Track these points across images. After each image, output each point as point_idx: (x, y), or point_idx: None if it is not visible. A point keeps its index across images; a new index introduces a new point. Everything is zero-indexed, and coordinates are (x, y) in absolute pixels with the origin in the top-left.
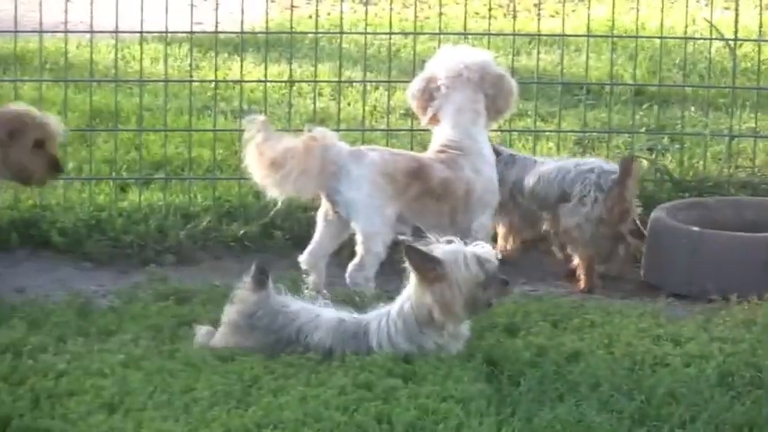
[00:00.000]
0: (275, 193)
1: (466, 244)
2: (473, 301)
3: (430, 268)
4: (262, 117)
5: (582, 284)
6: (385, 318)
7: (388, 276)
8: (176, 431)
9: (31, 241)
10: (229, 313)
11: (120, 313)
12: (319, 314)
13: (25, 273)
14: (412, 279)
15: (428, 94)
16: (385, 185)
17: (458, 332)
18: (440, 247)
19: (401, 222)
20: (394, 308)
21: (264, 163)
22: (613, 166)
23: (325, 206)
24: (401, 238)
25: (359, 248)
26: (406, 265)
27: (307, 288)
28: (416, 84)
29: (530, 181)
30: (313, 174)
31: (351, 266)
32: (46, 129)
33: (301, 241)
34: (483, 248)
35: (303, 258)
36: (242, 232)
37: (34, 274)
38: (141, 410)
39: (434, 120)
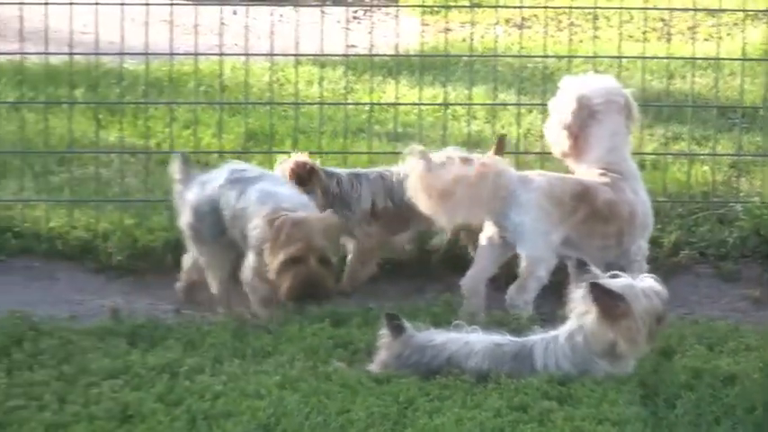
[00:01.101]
0: (444, 221)
1: (631, 275)
2: (652, 332)
3: (615, 305)
4: (420, 147)
5: None
6: (552, 342)
7: (546, 299)
8: None
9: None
10: (379, 357)
11: (276, 335)
12: (468, 341)
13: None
14: (583, 309)
15: (580, 123)
16: (551, 210)
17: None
18: (612, 281)
19: (568, 246)
20: (561, 333)
21: (432, 192)
22: None
23: (489, 230)
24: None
25: (522, 272)
26: (578, 297)
27: (462, 311)
28: (568, 115)
29: None
30: (485, 201)
31: (511, 289)
32: None
33: (456, 264)
34: (653, 281)
35: (464, 282)
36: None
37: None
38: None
39: (574, 149)
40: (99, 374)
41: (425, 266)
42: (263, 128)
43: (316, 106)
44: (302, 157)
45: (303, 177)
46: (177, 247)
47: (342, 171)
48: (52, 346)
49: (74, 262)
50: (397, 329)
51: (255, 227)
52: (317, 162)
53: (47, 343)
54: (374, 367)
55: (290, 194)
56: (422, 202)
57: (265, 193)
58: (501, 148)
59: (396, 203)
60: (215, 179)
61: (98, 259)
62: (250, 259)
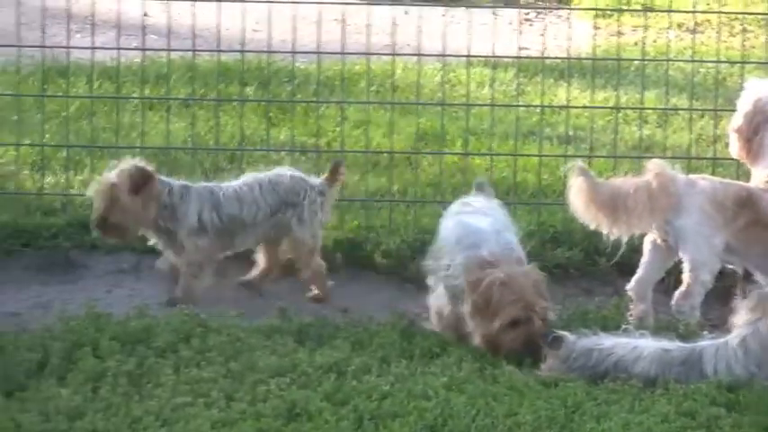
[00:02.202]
0: (618, 231)
1: None
2: None
3: None
4: (580, 162)
5: None
6: (723, 347)
7: (710, 305)
8: None
9: (355, 262)
10: (546, 361)
11: (444, 336)
12: (637, 345)
13: (349, 293)
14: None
15: (754, 127)
16: (714, 214)
17: None
18: None
19: (728, 252)
20: (733, 338)
21: (601, 205)
22: None
23: (653, 234)
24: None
25: (686, 277)
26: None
27: (630, 316)
28: (740, 118)
29: None
30: (661, 208)
31: (677, 294)
32: None
33: (625, 268)
34: None
35: (631, 287)
36: (566, 257)
37: (358, 294)
38: None
39: (747, 153)
40: (266, 372)
41: (593, 270)
42: (433, 129)
43: (486, 108)
44: (141, 162)
45: (138, 184)
46: (346, 247)
47: (174, 182)
48: (220, 344)
49: (244, 260)
50: (556, 342)
51: (456, 276)
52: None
53: (214, 340)
54: (541, 371)
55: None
56: (589, 215)
57: (465, 229)
58: (335, 174)
59: (222, 219)
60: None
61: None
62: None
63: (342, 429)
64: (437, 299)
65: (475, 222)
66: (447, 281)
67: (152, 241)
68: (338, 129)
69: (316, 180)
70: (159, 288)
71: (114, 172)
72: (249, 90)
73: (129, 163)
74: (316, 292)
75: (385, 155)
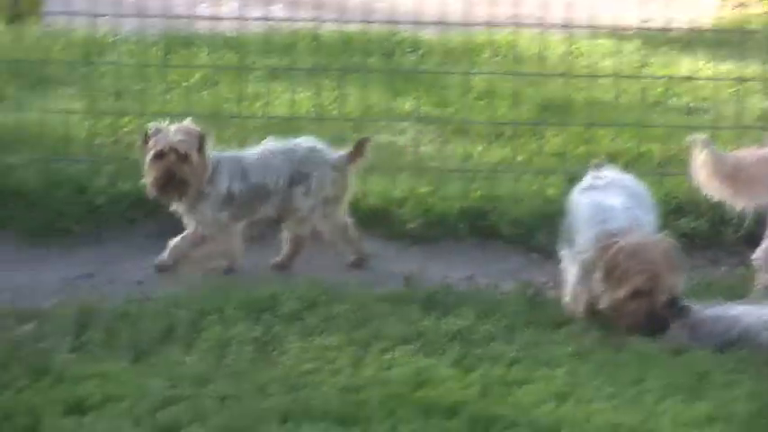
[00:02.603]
0: (745, 203)
1: None
2: None
3: None
4: (702, 136)
5: None
6: None
7: None
8: (626, 422)
9: (480, 231)
10: (672, 329)
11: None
12: (763, 314)
13: (474, 262)
14: None
15: None
16: None
17: None
18: None
19: None
20: None
21: (728, 177)
22: None
23: None
24: None
25: None
26: None
27: (757, 286)
28: None
29: None
30: None
31: None
32: None
33: (751, 238)
34: None
35: (757, 256)
36: (691, 228)
37: (483, 263)
38: (590, 401)
39: None
40: (392, 340)
41: (719, 240)
42: (558, 99)
43: (610, 79)
44: (191, 123)
45: (201, 142)
46: (471, 216)
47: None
48: (345, 311)
49: (368, 228)
50: (683, 312)
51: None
52: None
53: (340, 308)
54: (667, 340)
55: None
56: (712, 188)
57: (596, 207)
58: (359, 151)
59: (249, 187)
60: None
61: (392, 226)
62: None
63: (468, 396)
64: (570, 277)
65: (606, 199)
66: (579, 257)
67: (173, 206)
68: (462, 99)
69: (333, 154)
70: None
71: (174, 131)
72: (373, 60)
73: (183, 123)
74: (278, 259)
75: (509, 125)
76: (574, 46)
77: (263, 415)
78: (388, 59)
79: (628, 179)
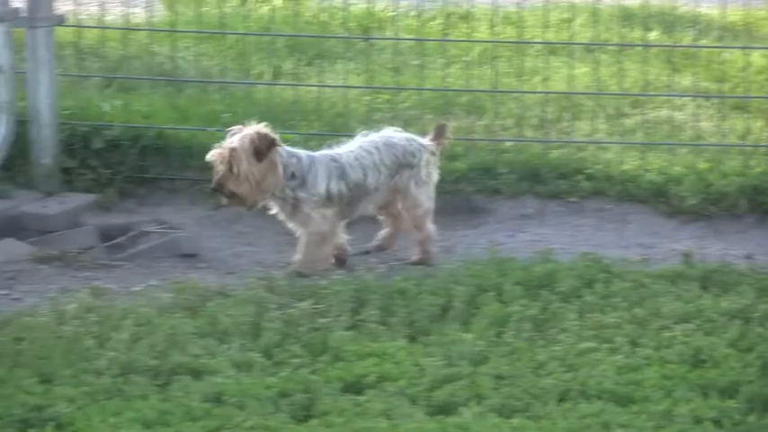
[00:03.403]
0: None
1: None
2: None
3: None
4: None
5: None
6: None
7: None
8: None
9: (760, 208)
10: None
11: None
12: None
13: (754, 239)
14: None
15: None
16: None
17: None
18: None
19: None
20: None
21: None
22: None
23: None
24: None
25: None
26: None
27: None
28: None
29: None
30: None
31: None
32: None
33: None
34: None
35: None
36: None
37: (763, 241)
38: None
39: None
40: (671, 318)
41: None
42: None
43: None
44: (265, 128)
45: (261, 150)
46: (750, 193)
47: (300, 152)
48: (624, 289)
49: (646, 205)
50: None
51: None
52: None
53: (618, 286)
54: None
55: None
56: None
57: None
58: (440, 136)
59: (348, 187)
60: None
61: (670, 203)
62: None
63: (747, 376)
64: None
65: None
66: None
67: (273, 211)
68: (742, 74)
69: (426, 141)
70: (562, 234)
71: (236, 136)
72: (652, 35)
73: (252, 128)
74: (419, 256)
75: None
76: None
77: (540, 394)
78: (667, 34)
79: None
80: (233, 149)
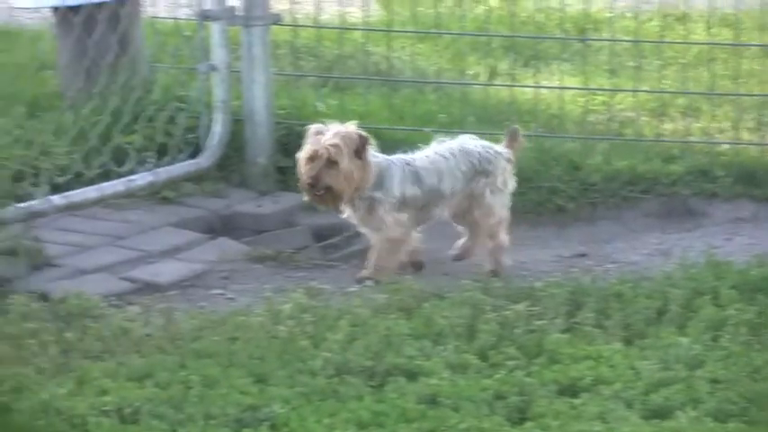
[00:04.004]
0: None
1: None
2: None
3: None
4: None
5: None
6: None
7: None
8: None
9: None
10: None
11: None
12: None
13: None
14: None
15: None
16: None
17: None
18: None
19: None
20: None
21: None
22: None
23: None
24: None
25: None
26: None
27: None
28: None
29: None
30: None
31: None
32: None
33: None
34: None
35: None
36: None
37: None
38: None
39: None
40: None
41: None
42: None
43: None
44: (356, 127)
45: (360, 147)
46: None
47: (377, 154)
48: None
49: None
50: None
51: None
52: None
53: None
54: None
55: None
56: None
57: None
58: (513, 141)
59: (423, 192)
60: None
61: None
62: None
63: None
64: None
65: None
66: None
67: (345, 214)
68: None
69: (502, 148)
70: None
71: (331, 134)
72: None
73: (346, 127)
74: (491, 267)
75: None
76: None
77: (757, 399)
78: None
79: None
80: (334, 145)
